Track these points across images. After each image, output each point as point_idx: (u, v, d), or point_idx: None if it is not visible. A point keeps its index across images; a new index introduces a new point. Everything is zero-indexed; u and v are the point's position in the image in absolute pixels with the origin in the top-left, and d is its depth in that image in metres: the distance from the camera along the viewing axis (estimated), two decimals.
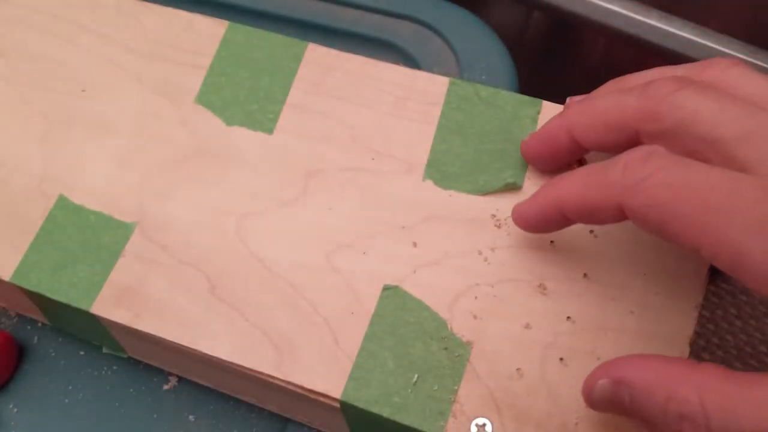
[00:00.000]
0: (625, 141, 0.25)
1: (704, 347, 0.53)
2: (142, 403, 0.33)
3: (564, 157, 0.28)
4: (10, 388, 0.34)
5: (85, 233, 0.31)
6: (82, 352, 0.35)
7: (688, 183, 0.22)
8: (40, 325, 0.36)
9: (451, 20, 0.39)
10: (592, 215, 0.25)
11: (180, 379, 0.34)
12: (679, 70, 0.27)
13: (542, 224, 0.27)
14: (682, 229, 0.22)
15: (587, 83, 0.30)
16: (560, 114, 0.28)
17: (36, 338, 0.35)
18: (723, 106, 0.23)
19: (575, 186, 0.25)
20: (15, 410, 0.34)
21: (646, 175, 0.23)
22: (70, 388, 0.34)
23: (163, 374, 0.34)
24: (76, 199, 0.31)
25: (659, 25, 0.42)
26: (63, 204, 0.31)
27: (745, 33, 0.41)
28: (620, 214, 0.24)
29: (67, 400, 0.34)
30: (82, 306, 0.29)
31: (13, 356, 0.34)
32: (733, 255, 0.22)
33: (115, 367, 0.34)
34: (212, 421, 0.33)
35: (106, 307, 0.29)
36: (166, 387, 0.34)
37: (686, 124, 0.24)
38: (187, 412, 0.33)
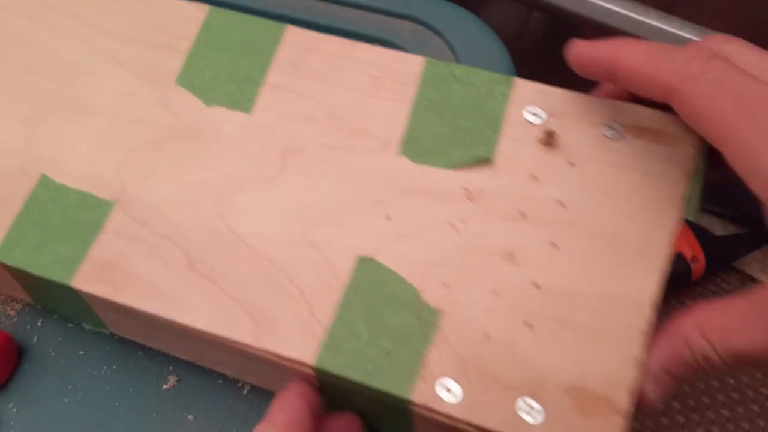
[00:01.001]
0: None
1: None
2: (142, 402, 0.33)
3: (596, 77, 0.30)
4: (10, 388, 0.34)
5: (66, 211, 0.31)
6: (81, 352, 0.35)
7: (741, 87, 0.25)
8: (40, 324, 0.36)
9: (450, 20, 0.39)
10: (640, 84, 0.27)
11: (179, 378, 0.34)
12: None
13: (589, 67, 0.29)
14: (718, 126, 0.25)
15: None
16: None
17: (36, 338, 0.35)
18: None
19: (640, 55, 0.27)
20: (15, 410, 0.34)
21: (709, 69, 0.25)
22: (70, 388, 0.34)
23: (163, 374, 0.34)
24: (58, 178, 0.32)
25: (659, 25, 0.42)
26: (45, 183, 0.32)
27: (745, 33, 0.41)
28: (665, 96, 0.26)
29: (67, 400, 0.34)
30: (63, 280, 0.30)
31: (13, 356, 0.34)
32: (755, 161, 0.24)
33: (115, 367, 0.34)
34: (212, 421, 0.33)
35: (86, 281, 0.30)
36: (165, 387, 0.34)
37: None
38: (186, 412, 0.33)
